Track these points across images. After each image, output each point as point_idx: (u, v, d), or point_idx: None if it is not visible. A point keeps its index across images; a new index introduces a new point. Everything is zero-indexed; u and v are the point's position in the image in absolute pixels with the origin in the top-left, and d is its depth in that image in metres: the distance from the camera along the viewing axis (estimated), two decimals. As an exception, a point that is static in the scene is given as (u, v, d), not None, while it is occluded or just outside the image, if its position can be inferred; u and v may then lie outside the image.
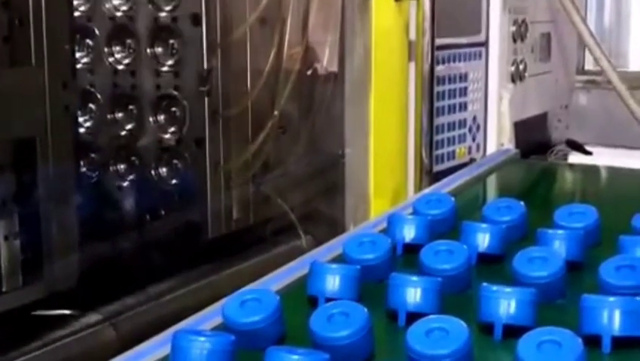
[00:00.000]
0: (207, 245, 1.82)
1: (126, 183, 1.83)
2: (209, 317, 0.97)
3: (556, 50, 2.30)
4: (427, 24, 1.80)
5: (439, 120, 1.90)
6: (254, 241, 1.92)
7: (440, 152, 1.93)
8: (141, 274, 1.69)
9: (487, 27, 2.01)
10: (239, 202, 1.90)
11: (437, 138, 1.91)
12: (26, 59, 1.34)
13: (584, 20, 2.10)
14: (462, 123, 1.99)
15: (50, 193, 1.38)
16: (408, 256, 1.14)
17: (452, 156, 1.97)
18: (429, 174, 1.87)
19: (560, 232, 1.09)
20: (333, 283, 0.99)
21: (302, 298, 1.03)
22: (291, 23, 1.92)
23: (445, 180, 1.71)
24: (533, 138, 2.14)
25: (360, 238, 1.11)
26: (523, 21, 2.08)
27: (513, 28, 2.07)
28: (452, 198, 1.30)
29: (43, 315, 1.46)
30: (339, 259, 1.12)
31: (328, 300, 0.98)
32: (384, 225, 1.25)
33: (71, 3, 1.55)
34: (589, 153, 2.01)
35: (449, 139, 1.96)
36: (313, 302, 1.00)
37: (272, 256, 1.89)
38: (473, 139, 2.01)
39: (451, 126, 1.96)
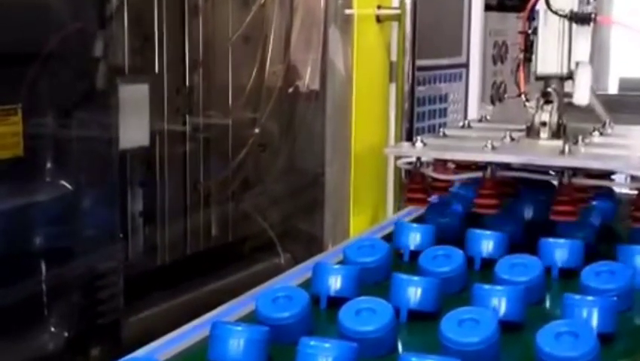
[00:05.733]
0: (185, 262, 1.78)
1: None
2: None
3: (536, 73, 2.23)
4: (408, 45, 1.74)
5: (418, 141, 1.83)
6: (233, 259, 1.87)
7: (419, 172, 1.86)
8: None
9: (468, 49, 1.94)
10: (218, 219, 1.85)
11: (417, 158, 1.84)
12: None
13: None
14: (442, 144, 1.92)
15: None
16: (332, 313, 0.95)
17: (430, 176, 1.90)
18: (408, 194, 1.80)
19: (498, 288, 0.94)
20: (237, 347, 0.83)
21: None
22: (273, 41, 1.87)
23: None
24: (512, 160, 2.08)
25: (275, 292, 0.94)
26: (504, 43, 2.02)
27: (494, 51, 2.00)
28: (387, 245, 1.11)
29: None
30: (250, 318, 0.96)
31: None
32: (309, 274, 1.06)
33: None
34: (567, 175, 1.94)
35: (428, 160, 1.89)
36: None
37: (251, 274, 1.84)
38: (452, 160, 1.94)
39: (430, 147, 1.89)
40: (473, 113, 1.96)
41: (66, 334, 1.36)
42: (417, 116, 1.82)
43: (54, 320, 1.35)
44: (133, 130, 1.51)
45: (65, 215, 1.37)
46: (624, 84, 2.58)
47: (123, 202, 1.56)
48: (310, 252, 1.67)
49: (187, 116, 1.75)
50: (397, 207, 1.77)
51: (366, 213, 1.78)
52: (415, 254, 1.11)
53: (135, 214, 1.63)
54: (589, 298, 0.91)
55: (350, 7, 1.72)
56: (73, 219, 1.38)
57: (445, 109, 1.92)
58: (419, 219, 1.30)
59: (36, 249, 1.33)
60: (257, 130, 1.88)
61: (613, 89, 2.63)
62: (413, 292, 0.95)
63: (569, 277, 1.04)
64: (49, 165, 1.34)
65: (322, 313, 0.99)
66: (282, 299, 0.93)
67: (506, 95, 2.05)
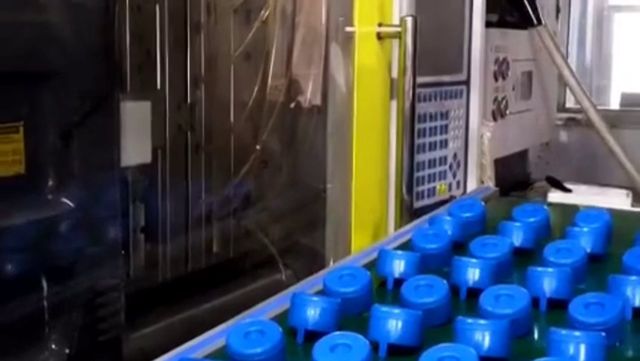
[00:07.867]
0: (186, 278, 1.75)
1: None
2: None
3: (537, 88, 2.21)
4: (409, 62, 1.72)
5: (420, 157, 1.82)
6: (235, 275, 1.85)
7: (420, 188, 1.84)
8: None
9: (469, 65, 1.91)
10: (220, 236, 1.83)
11: (418, 174, 1.82)
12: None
13: (565, 59, 2.02)
14: (443, 160, 1.90)
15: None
16: (309, 347, 0.87)
17: (432, 192, 1.88)
18: (409, 211, 1.78)
19: (481, 322, 0.87)
20: None
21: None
22: (275, 57, 1.85)
23: (422, 219, 1.59)
24: (513, 175, 2.06)
25: (247, 326, 0.88)
26: (505, 59, 2.00)
27: (495, 67, 1.98)
28: (368, 274, 1.04)
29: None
30: (220, 353, 0.90)
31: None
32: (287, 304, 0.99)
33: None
34: (568, 191, 1.91)
35: (429, 176, 1.87)
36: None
37: (252, 290, 1.82)
38: (454, 176, 1.92)
39: (432, 163, 1.87)
40: (474, 129, 1.94)
41: (67, 351, 1.34)
42: (418, 132, 1.80)
43: (55, 338, 1.33)
44: (135, 147, 1.49)
45: (67, 232, 1.34)
46: (626, 99, 2.56)
47: (124, 219, 1.54)
48: (311, 268, 1.65)
49: (189, 133, 1.73)
50: (399, 224, 1.75)
51: (367, 230, 1.76)
52: (400, 283, 1.05)
53: (137, 231, 1.62)
54: (576, 333, 0.87)
55: (351, 24, 1.70)
56: (74, 237, 1.35)
57: (446, 125, 1.90)
58: (405, 245, 1.26)
59: (37, 266, 1.30)
60: (258, 147, 1.86)
61: (614, 104, 2.61)
62: (393, 325, 0.89)
63: (558, 309, 1.00)
64: (50, 182, 1.31)
65: (299, 348, 0.93)
66: (255, 334, 0.87)
67: (507, 112, 2.03)
